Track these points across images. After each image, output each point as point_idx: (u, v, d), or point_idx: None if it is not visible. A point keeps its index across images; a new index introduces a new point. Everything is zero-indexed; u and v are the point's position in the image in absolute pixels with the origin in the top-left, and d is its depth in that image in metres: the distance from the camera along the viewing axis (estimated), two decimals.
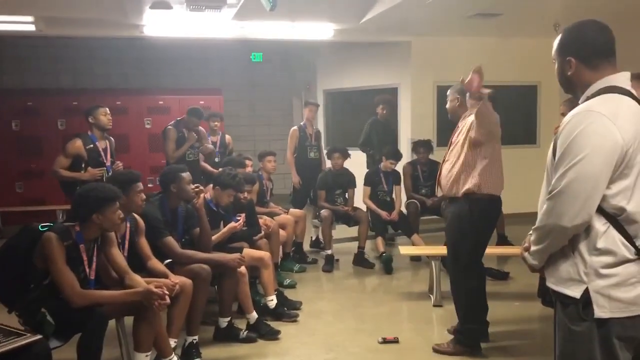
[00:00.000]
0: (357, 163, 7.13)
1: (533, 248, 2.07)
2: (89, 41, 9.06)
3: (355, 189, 6.50)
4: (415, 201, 6.48)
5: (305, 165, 6.88)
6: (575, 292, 1.91)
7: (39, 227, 3.11)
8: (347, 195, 6.44)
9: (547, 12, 6.83)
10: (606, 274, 1.86)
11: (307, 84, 10.05)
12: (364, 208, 6.49)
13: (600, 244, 1.87)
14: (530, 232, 2.09)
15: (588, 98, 1.96)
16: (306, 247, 6.68)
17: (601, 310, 1.86)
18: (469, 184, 3.64)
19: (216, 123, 6.54)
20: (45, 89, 9.16)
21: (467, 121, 3.72)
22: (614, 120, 1.83)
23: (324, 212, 6.18)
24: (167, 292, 3.18)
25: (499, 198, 3.76)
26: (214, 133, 6.61)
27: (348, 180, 6.43)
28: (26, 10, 6.34)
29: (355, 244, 6.42)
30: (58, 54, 9.50)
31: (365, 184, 6.51)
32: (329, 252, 6.17)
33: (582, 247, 1.91)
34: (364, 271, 6.13)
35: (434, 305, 4.87)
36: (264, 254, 4.60)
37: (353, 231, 6.50)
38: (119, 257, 3.36)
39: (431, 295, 4.99)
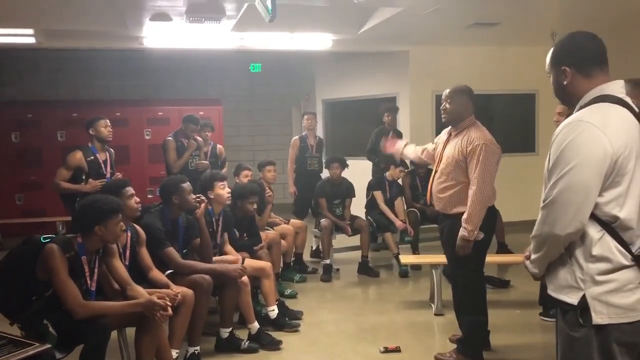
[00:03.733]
0: (360, 172, 7.15)
1: (532, 256, 2.10)
2: (88, 53, 9.10)
3: (354, 199, 6.51)
4: (416, 210, 6.51)
5: (305, 175, 6.89)
6: (573, 298, 1.93)
7: (41, 238, 3.11)
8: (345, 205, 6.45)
9: (544, 21, 6.90)
10: (603, 281, 1.88)
11: (306, 94, 10.09)
12: (360, 212, 6.52)
13: (596, 251, 1.89)
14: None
15: (581, 107, 1.99)
16: (307, 257, 6.69)
17: (599, 316, 1.88)
18: (462, 206, 3.61)
19: (207, 133, 6.54)
20: (45, 101, 9.20)
21: (464, 141, 3.63)
22: (604, 129, 1.86)
23: (323, 222, 6.19)
24: (169, 303, 3.18)
25: (493, 208, 3.75)
26: (206, 143, 6.60)
27: (347, 191, 6.44)
28: (26, 23, 6.38)
29: (356, 253, 6.44)
30: (58, 65, 9.54)
31: (374, 189, 6.53)
32: (328, 261, 6.17)
33: (579, 254, 1.94)
34: (364, 280, 6.14)
35: (435, 314, 4.87)
36: (265, 264, 4.61)
37: (354, 240, 6.51)
38: (121, 268, 3.37)
39: (432, 304, 4.99)
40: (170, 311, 3.19)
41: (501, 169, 3.74)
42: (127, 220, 3.57)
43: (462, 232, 3.55)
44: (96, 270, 3.25)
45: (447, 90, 3.80)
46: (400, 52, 8.19)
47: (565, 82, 2.04)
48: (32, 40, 6.75)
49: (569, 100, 2.10)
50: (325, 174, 6.89)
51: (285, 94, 10.90)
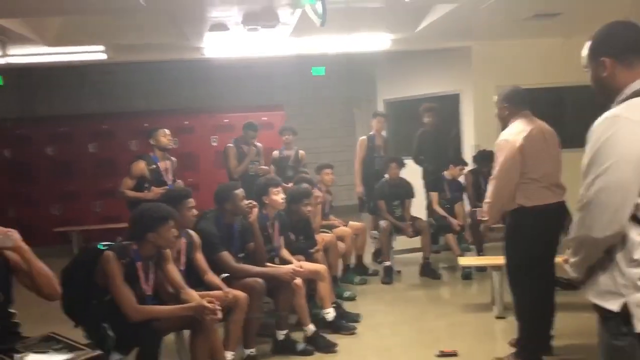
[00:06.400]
0: (415, 173, 7.07)
1: (571, 260, 2.00)
2: (158, 65, 9.50)
3: (413, 200, 6.43)
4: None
5: (372, 176, 6.84)
6: (614, 305, 1.82)
7: (100, 246, 3.29)
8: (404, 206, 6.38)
9: (615, 8, 6.51)
10: None
11: (368, 95, 10.06)
12: (424, 217, 6.42)
13: (637, 255, 1.77)
14: None
15: (619, 103, 1.88)
16: (368, 258, 6.68)
17: None
18: (518, 199, 3.63)
19: (288, 137, 6.68)
20: (119, 113, 9.69)
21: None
22: None
23: (382, 223, 6.15)
24: (218, 307, 3.27)
25: (552, 206, 3.62)
26: (289, 147, 6.75)
27: (406, 191, 6.36)
28: (96, 40, 6.76)
29: (418, 255, 6.35)
30: (131, 78, 10.02)
31: (432, 190, 6.45)
32: (388, 263, 6.12)
33: (619, 258, 1.82)
34: (426, 282, 6.05)
35: (497, 317, 4.73)
36: (320, 267, 4.64)
37: (415, 242, 6.42)
38: (175, 273, 3.50)
39: (494, 307, 4.85)
40: (219, 315, 3.28)
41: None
42: (181, 228, 3.72)
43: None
44: (151, 276, 3.39)
45: (494, 97, 3.98)
46: (462, 48, 8.00)
47: (604, 74, 1.94)
48: (103, 56, 7.15)
49: (609, 95, 1.98)
50: None
51: (347, 96, 10.91)
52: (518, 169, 3.60)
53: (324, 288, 4.57)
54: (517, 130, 3.64)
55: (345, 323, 4.65)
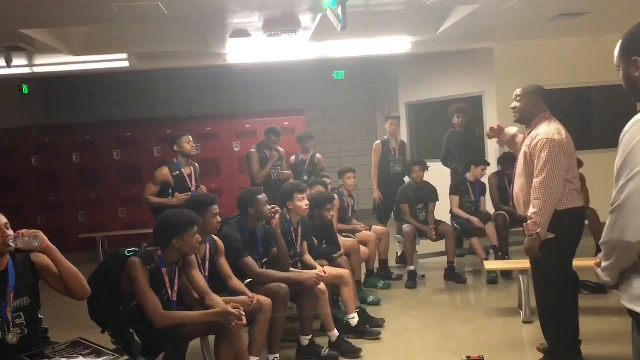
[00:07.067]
0: (445, 175, 7.00)
1: (603, 264, 1.96)
2: (181, 71, 9.61)
3: (438, 203, 6.36)
4: (504, 213, 6.23)
5: (388, 179, 6.82)
6: None
7: (126, 252, 3.32)
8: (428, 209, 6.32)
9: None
10: None
11: (389, 98, 10.02)
12: (448, 220, 6.35)
13: None
14: None
15: None
16: (392, 263, 6.63)
17: None
18: None
19: (307, 143, 6.73)
20: (142, 119, 9.80)
21: (532, 138, 3.55)
22: None
23: (406, 227, 6.11)
24: (243, 313, 3.27)
25: (578, 210, 3.55)
26: (306, 152, 6.77)
27: (429, 195, 6.30)
28: (120, 49, 6.86)
29: (442, 259, 6.29)
30: (154, 85, 10.15)
31: (453, 193, 6.38)
32: (412, 268, 6.07)
33: None
34: (451, 286, 5.98)
35: (524, 322, 4.65)
36: (344, 272, 4.62)
37: (439, 246, 6.36)
38: (200, 278, 3.51)
39: (521, 311, 4.77)
40: (244, 320, 3.27)
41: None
42: (205, 234, 3.73)
43: (525, 229, 3.42)
44: (176, 281, 3.41)
45: (518, 90, 3.74)
46: (484, 49, 7.93)
47: (637, 74, 1.90)
48: (126, 64, 7.25)
49: None
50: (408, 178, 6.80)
51: (368, 99, 10.90)
52: (565, 169, 3.46)
53: (348, 293, 4.55)
54: (556, 129, 3.51)
55: (369, 328, 4.62)
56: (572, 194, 3.49)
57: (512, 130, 4.06)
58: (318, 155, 6.88)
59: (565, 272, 3.64)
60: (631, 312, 1.88)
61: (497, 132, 4.07)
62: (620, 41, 1.98)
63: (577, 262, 4.43)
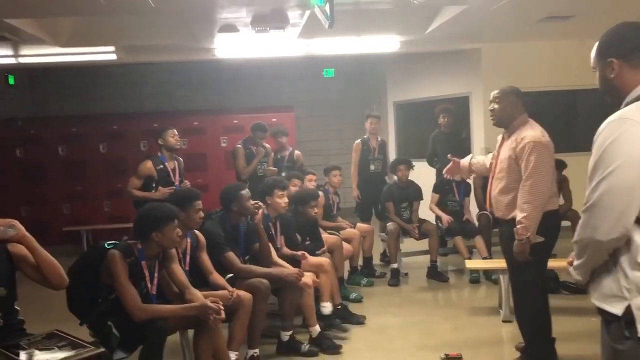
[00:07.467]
0: (430, 174, 7.02)
1: (575, 262, 1.98)
2: (169, 65, 9.56)
3: (422, 202, 6.39)
4: (487, 213, 6.27)
5: (367, 178, 6.80)
6: (617, 308, 1.80)
7: (106, 245, 3.31)
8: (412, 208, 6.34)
9: (627, 9, 6.44)
10: None
11: (378, 97, 10.04)
12: (432, 219, 6.38)
13: None
14: None
15: (628, 104, 1.86)
16: (376, 260, 6.66)
17: None
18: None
19: (281, 139, 6.68)
20: (129, 113, 9.74)
21: (515, 141, 3.52)
22: None
23: (390, 226, 6.13)
24: (221, 307, 3.28)
25: (554, 213, 3.57)
26: (282, 149, 6.74)
27: (414, 193, 6.33)
28: (107, 41, 6.81)
29: (426, 257, 6.31)
30: (141, 79, 10.08)
31: (434, 191, 6.40)
32: (395, 265, 6.10)
33: (624, 261, 1.80)
34: (434, 285, 6.02)
35: (503, 321, 4.69)
36: (324, 260, 4.66)
37: (423, 244, 6.39)
38: (180, 272, 3.50)
39: (501, 310, 4.81)
40: (223, 315, 3.28)
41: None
42: (187, 229, 3.73)
43: (515, 234, 3.41)
44: (156, 275, 3.40)
45: (495, 92, 3.70)
46: (472, 50, 7.96)
47: (612, 76, 1.92)
48: (113, 57, 7.20)
49: (616, 96, 1.96)
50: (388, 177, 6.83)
51: (357, 98, 10.90)
52: (552, 171, 3.47)
53: (325, 281, 4.55)
54: (541, 132, 3.50)
55: (339, 323, 4.67)
56: (551, 196, 3.51)
57: (466, 160, 4.12)
58: (297, 152, 6.87)
59: (542, 273, 3.68)
60: (600, 311, 1.89)
61: (453, 171, 4.17)
62: (596, 43, 2.00)
63: (556, 263, 4.51)
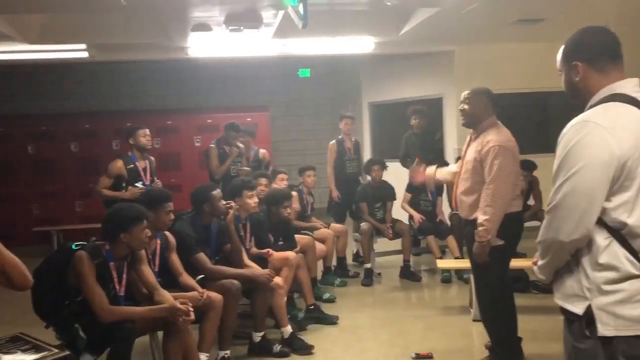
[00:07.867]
0: (404, 175, 7.05)
1: (539, 262, 2.01)
2: (144, 64, 9.43)
3: (397, 203, 6.43)
4: (459, 213, 6.34)
5: (344, 179, 6.83)
6: (579, 308, 1.84)
7: (73, 245, 3.25)
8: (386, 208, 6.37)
9: (595, 14, 6.57)
10: (609, 290, 1.77)
11: (353, 97, 10.07)
12: (405, 219, 6.42)
13: (603, 259, 1.79)
14: None
15: (591, 107, 1.89)
16: (349, 260, 6.67)
17: (605, 327, 1.77)
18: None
19: (248, 139, 6.65)
20: (102, 112, 9.60)
21: (480, 143, 3.55)
22: (612, 131, 1.76)
23: (363, 226, 6.16)
24: (191, 309, 3.25)
25: (518, 214, 3.63)
26: (248, 149, 6.70)
27: (388, 193, 6.36)
28: (79, 39, 6.69)
29: (399, 257, 6.35)
30: (115, 77, 9.93)
31: (407, 190, 6.43)
32: (368, 265, 6.13)
33: (585, 262, 1.84)
34: (406, 284, 6.06)
35: (474, 320, 4.73)
36: (290, 254, 4.66)
37: (396, 244, 6.43)
38: (149, 273, 3.46)
39: (471, 310, 4.87)
40: (192, 316, 3.25)
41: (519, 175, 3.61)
42: (156, 230, 3.69)
43: (475, 236, 3.45)
44: (124, 276, 3.36)
45: (465, 92, 3.72)
46: (445, 52, 8.03)
47: (577, 78, 1.95)
48: (85, 54, 7.08)
49: (581, 98, 1.99)
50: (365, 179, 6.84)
51: (333, 98, 10.91)
52: (515, 175, 3.51)
53: (286, 273, 4.54)
54: (506, 135, 3.54)
55: (298, 318, 4.71)
56: (514, 199, 3.56)
57: (431, 169, 4.19)
58: (262, 150, 6.85)
59: (504, 275, 3.71)
60: (563, 310, 1.93)
61: (418, 178, 4.28)
62: (562, 46, 2.03)
63: (525, 262, 4.59)
